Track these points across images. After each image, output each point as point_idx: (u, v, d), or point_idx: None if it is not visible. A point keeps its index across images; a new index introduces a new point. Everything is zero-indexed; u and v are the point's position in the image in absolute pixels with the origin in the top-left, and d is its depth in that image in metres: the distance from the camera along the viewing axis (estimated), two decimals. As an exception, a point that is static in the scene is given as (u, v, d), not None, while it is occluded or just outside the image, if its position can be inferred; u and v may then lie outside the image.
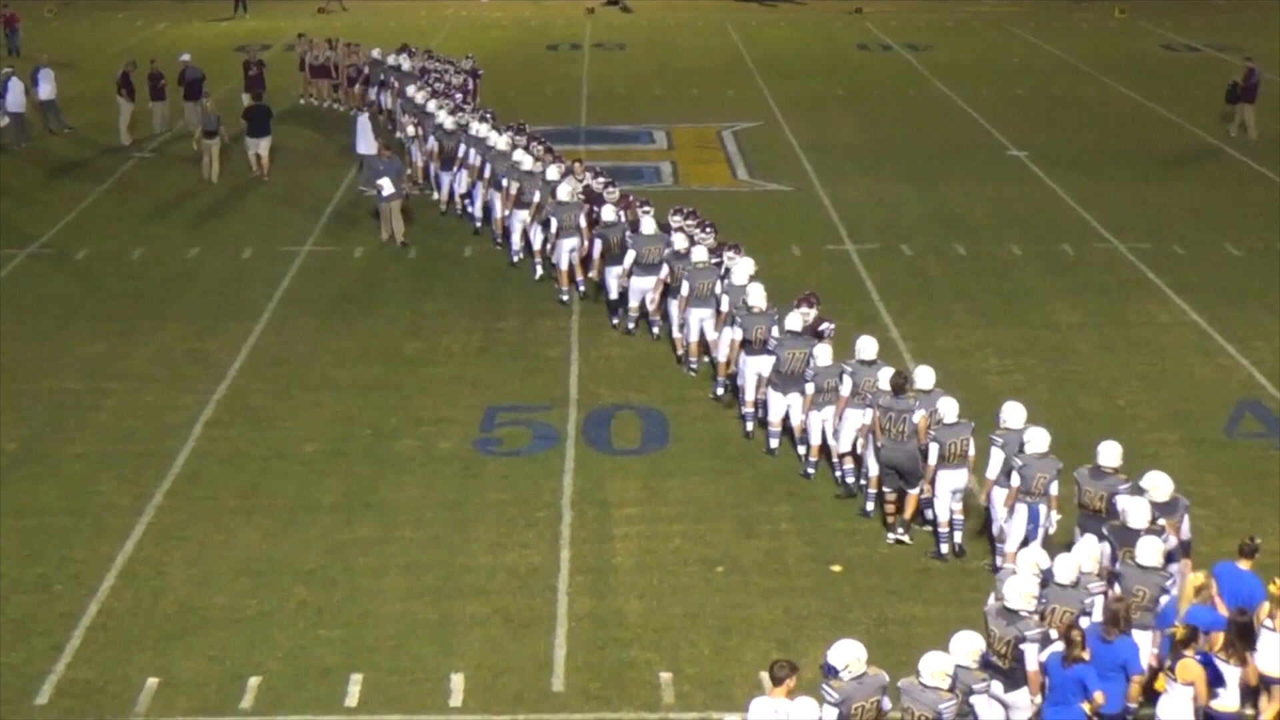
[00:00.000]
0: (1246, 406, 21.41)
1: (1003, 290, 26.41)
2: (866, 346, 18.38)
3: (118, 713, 14.45)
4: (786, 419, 19.57)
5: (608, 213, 24.08)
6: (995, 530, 16.78)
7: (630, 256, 23.28)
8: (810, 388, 18.61)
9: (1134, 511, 14.47)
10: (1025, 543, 15.77)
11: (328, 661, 15.24)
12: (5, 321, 24.86)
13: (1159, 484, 15.00)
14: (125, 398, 21.84)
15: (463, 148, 29.51)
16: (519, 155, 26.93)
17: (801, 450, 19.33)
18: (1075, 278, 27.10)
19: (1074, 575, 13.63)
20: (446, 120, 30.00)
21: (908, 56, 51.27)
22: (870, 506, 18.16)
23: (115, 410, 21.43)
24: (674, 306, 22.60)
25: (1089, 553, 14.10)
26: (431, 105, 31.61)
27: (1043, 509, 16.04)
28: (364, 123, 33.55)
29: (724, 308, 20.89)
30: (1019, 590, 13.12)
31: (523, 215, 26.41)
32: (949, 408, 16.91)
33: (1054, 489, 16.01)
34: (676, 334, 22.84)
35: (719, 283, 21.28)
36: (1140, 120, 40.42)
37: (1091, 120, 40.40)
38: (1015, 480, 16.11)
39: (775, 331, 19.58)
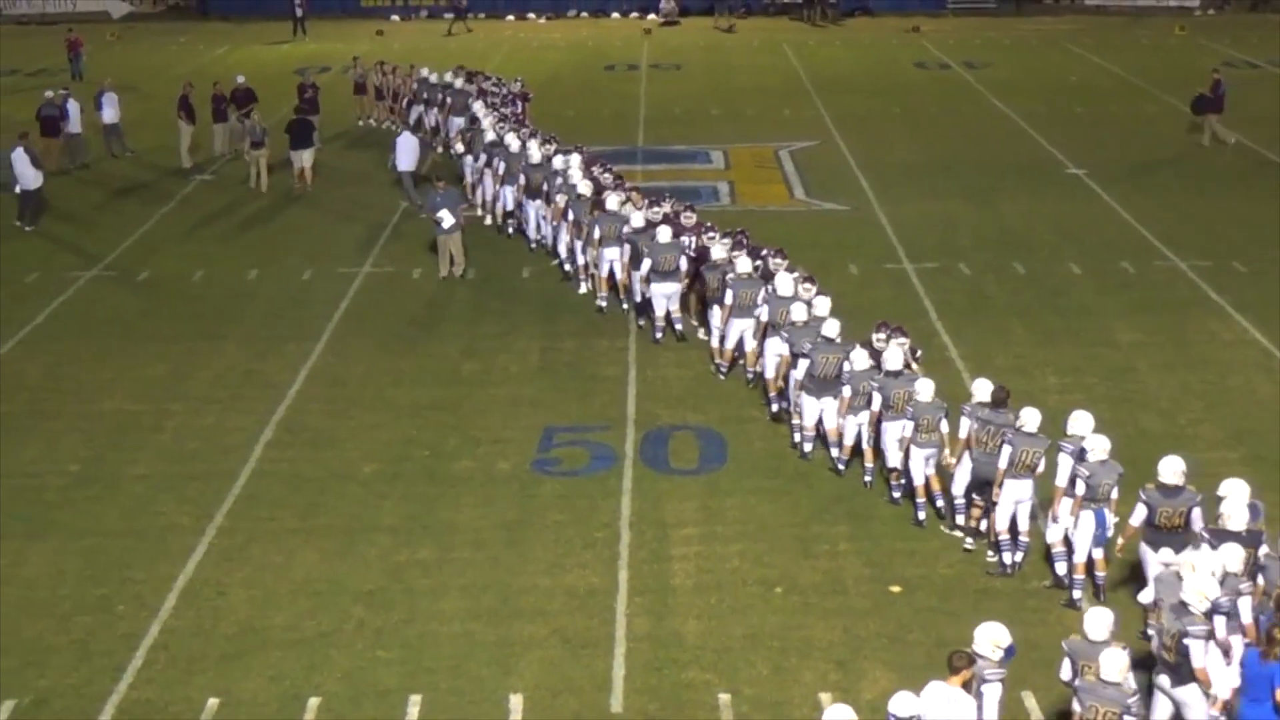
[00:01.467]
0: (1310, 425, 21.22)
1: (1062, 309, 26.27)
2: (893, 358, 18.69)
3: (179, 733, 14.56)
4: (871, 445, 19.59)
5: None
6: (1051, 539, 16.80)
7: (647, 264, 24.01)
8: (909, 425, 18.27)
9: (1235, 515, 14.73)
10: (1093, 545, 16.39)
11: (387, 682, 15.28)
12: (68, 342, 25.11)
13: (1237, 492, 15.07)
14: (186, 418, 22.00)
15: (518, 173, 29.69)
16: (585, 185, 26.95)
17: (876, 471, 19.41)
18: (1135, 296, 26.92)
19: (1220, 575, 13.67)
20: (535, 153, 29.46)
21: (965, 75, 51.12)
22: (923, 515, 18.31)
23: (176, 431, 21.59)
24: (715, 315, 22.90)
25: (1235, 555, 14.06)
26: (510, 137, 30.97)
27: (1107, 513, 16.29)
28: (405, 140, 33.67)
29: (764, 318, 21.37)
30: (1196, 587, 13.16)
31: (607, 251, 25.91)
32: (1030, 418, 16.88)
33: (1115, 494, 16.29)
34: (715, 343, 23.14)
35: (761, 292, 21.56)
36: (1200, 137, 40.09)
37: (1150, 137, 40.17)
38: (1080, 489, 16.20)
39: (848, 366, 19.19)
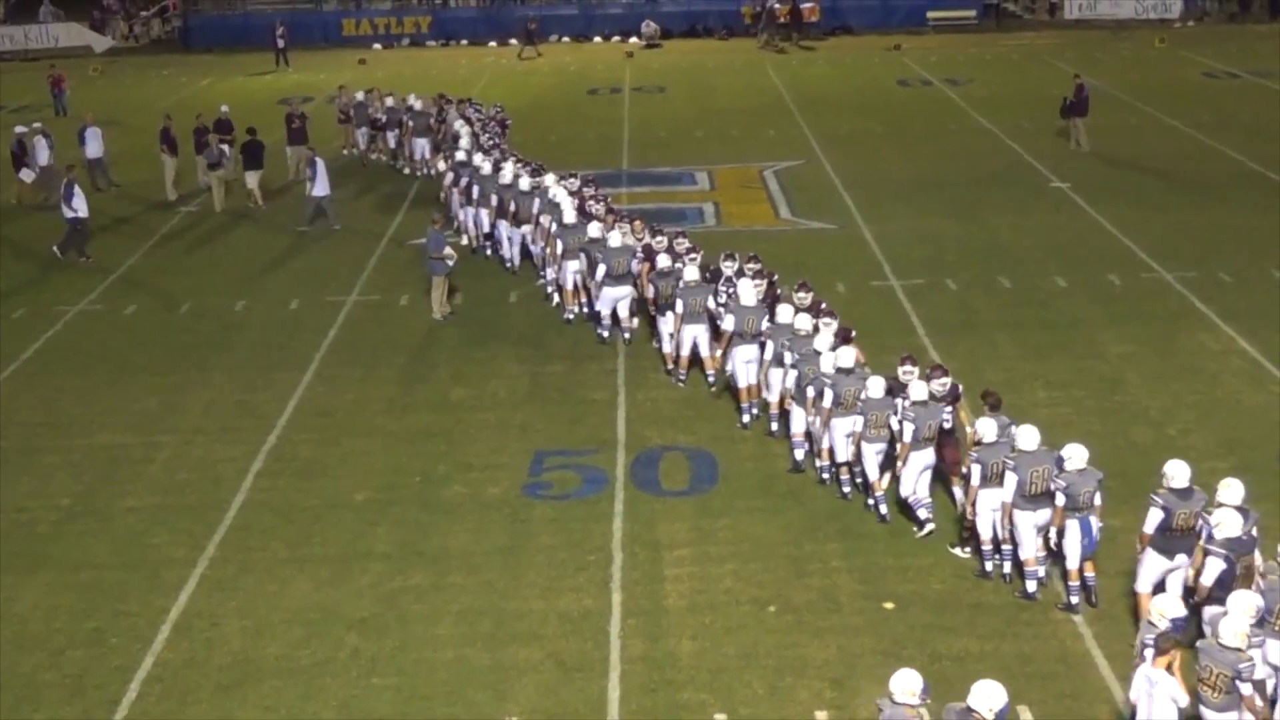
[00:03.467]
0: (1299, 433, 21.27)
1: (1050, 322, 26.32)
2: (846, 356, 19.25)
3: (175, 765, 14.53)
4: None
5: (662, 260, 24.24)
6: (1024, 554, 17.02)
7: (601, 269, 24.65)
8: (859, 420, 18.85)
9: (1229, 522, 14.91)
10: (1084, 555, 16.56)
11: (382, 710, 15.26)
12: (58, 377, 25.10)
13: (1235, 490, 15.29)
14: (177, 450, 21.99)
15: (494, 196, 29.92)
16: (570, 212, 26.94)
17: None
18: (1122, 308, 26.98)
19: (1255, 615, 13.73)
20: (524, 182, 29.65)
21: (948, 91, 51.26)
22: (885, 510, 18.79)
23: (167, 463, 21.58)
24: (668, 323, 23.55)
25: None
26: (479, 158, 31.41)
27: (1092, 520, 16.41)
28: (321, 166, 33.87)
29: (769, 349, 21.03)
30: (1233, 629, 13.08)
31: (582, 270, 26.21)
32: (987, 428, 17.07)
33: (1097, 500, 16.40)
34: (667, 349, 23.85)
35: (765, 322, 21.36)
36: (1183, 148, 40.26)
37: (1134, 150, 40.25)
38: (1060, 499, 16.33)
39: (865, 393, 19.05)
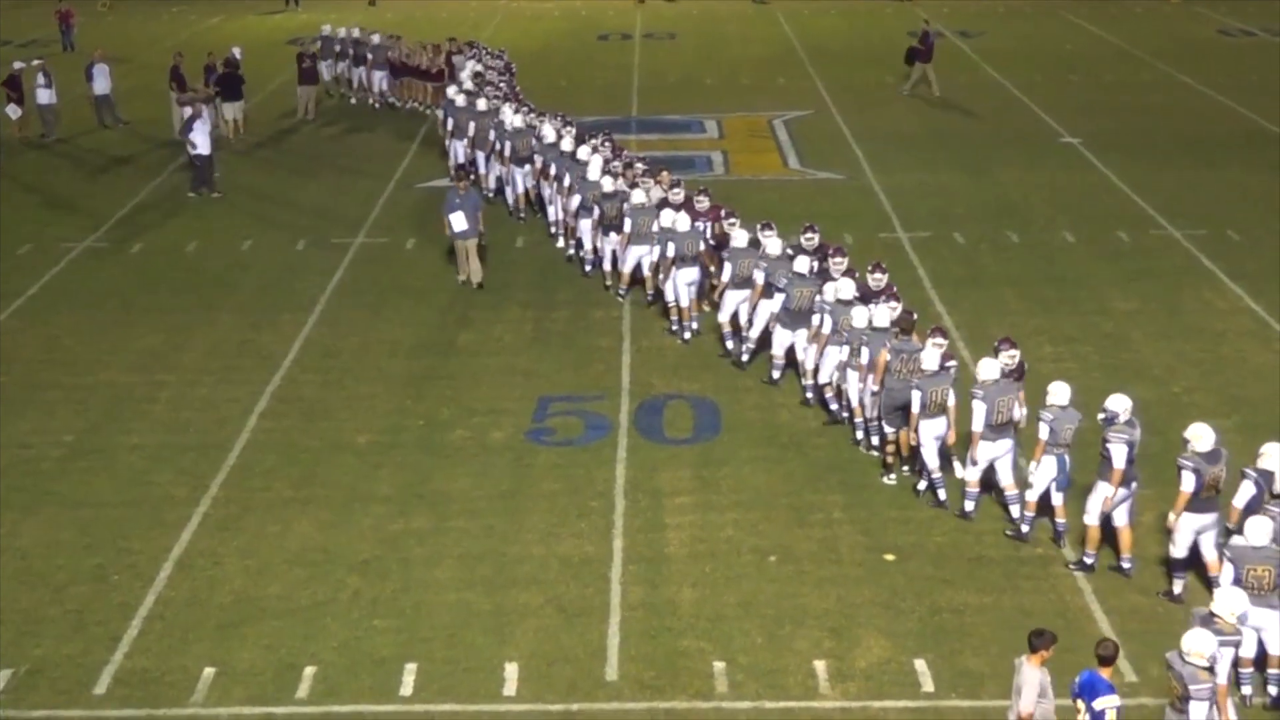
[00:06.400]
0: (1304, 393, 21.26)
1: (1056, 278, 26.27)
2: (845, 288, 19.88)
3: (175, 702, 14.57)
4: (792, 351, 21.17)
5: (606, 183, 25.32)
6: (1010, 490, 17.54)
7: (628, 224, 24.55)
8: (846, 349, 19.49)
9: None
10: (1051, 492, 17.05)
11: (382, 651, 15.31)
12: (62, 315, 25.09)
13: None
14: (181, 390, 21.99)
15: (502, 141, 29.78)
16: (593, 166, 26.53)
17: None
18: (1130, 265, 26.92)
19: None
20: (515, 119, 29.78)
21: (960, 44, 51.01)
22: (860, 435, 19.60)
23: (171, 402, 21.59)
24: (613, 241, 25.07)
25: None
26: (508, 111, 30.84)
27: (1068, 459, 16.76)
28: (204, 120, 32.63)
29: (825, 329, 20.17)
30: (1260, 528, 14.10)
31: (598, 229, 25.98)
32: (930, 357, 17.69)
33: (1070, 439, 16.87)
34: (607, 265, 25.44)
35: (818, 298, 20.53)
36: (1195, 106, 40.10)
37: (1146, 106, 40.10)
38: (1044, 432, 16.69)
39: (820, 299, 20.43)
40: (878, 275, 20.23)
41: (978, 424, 17.04)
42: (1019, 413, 17.31)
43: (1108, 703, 11.95)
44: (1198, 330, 23.76)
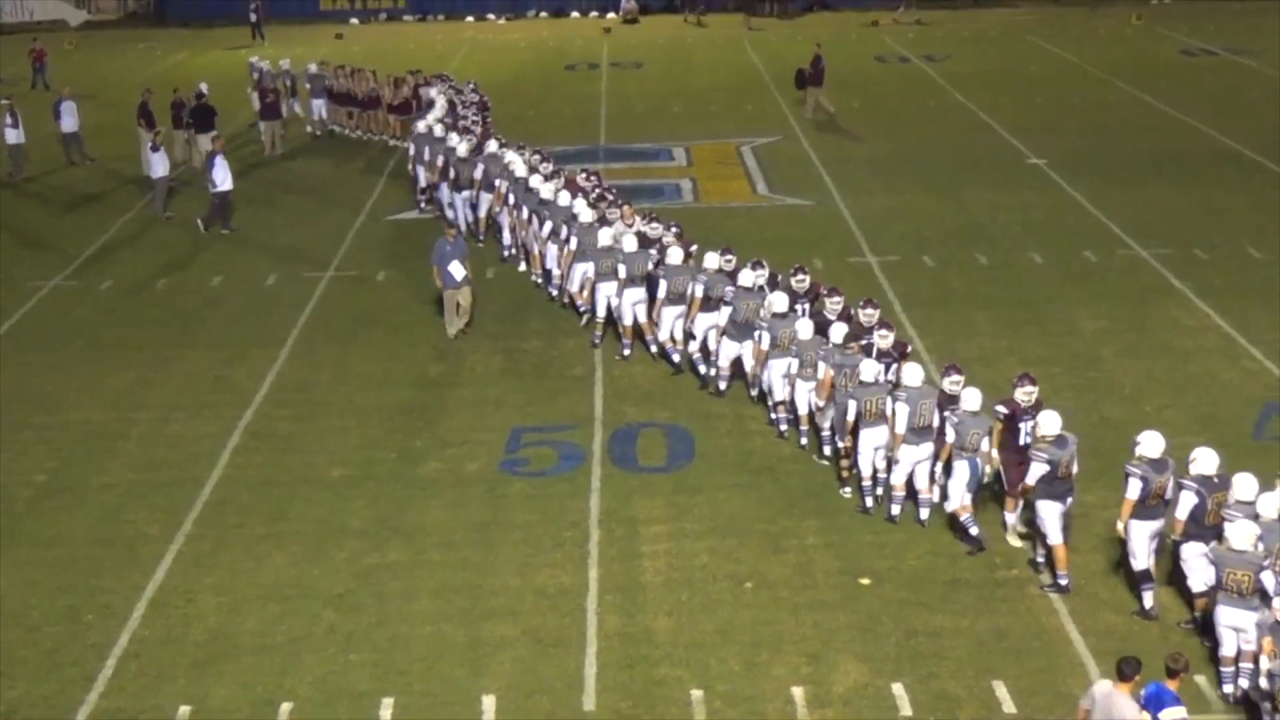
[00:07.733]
0: (1273, 409, 21.33)
1: (1025, 299, 26.37)
2: (779, 301, 20.54)
3: (151, 741, 14.52)
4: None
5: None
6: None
7: (548, 226, 25.68)
8: (794, 363, 20.01)
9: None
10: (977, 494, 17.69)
11: (359, 686, 15.27)
12: (33, 353, 25.00)
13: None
14: (153, 427, 21.93)
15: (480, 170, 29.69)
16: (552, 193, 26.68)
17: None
18: (1098, 285, 27.05)
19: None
20: (461, 147, 30.09)
21: (926, 68, 51.26)
22: (805, 441, 20.28)
23: (143, 439, 21.52)
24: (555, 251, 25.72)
25: None
26: (454, 137, 31.10)
27: (980, 462, 17.42)
28: (161, 154, 33.46)
29: (764, 344, 20.70)
30: (1242, 533, 14.44)
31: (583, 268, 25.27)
32: (869, 369, 18.22)
33: (985, 445, 17.36)
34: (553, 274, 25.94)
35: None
36: (1159, 125, 40.34)
37: (1111, 127, 40.33)
38: (950, 435, 17.37)
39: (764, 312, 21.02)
40: (869, 311, 20.19)
41: (900, 426, 17.75)
42: (938, 418, 17.94)
43: (1174, 714, 12.48)
44: (1166, 348, 23.87)
